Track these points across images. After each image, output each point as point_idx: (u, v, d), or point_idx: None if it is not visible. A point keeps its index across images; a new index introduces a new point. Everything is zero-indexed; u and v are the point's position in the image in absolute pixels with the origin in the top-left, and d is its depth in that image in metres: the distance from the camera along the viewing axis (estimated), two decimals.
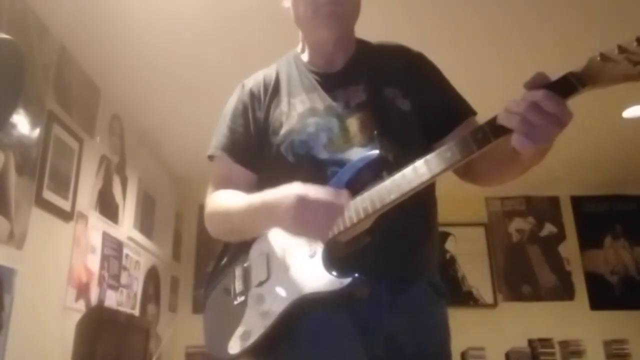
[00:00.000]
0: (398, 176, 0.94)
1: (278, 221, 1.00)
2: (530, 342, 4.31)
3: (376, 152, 1.02)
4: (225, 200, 1.16)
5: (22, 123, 2.18)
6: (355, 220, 0.96)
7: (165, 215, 4.31)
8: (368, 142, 1.07)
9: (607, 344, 4.35)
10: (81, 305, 2.61)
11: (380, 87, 1.15)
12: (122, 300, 3.17)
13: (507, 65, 2.84)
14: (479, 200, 4.85)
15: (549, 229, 4.83)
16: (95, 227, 2.84)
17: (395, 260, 1.06)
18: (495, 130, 0.86)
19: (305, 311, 0.99)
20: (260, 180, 1.20)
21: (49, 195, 2.35)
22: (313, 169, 1.07)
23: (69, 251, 2.54)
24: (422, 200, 1.04)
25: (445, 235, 4.60)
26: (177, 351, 4.15)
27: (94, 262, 2.80)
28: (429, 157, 0.92)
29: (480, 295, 4.60)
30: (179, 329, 4.17)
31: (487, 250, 4.72)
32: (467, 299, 4.58)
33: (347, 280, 0.94)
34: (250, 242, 1.13)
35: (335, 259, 0.99)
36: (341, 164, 1.05)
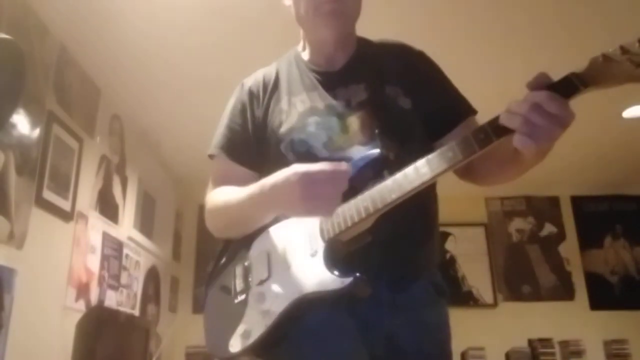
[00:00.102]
0: (399, 175, 0.93)
1: (283, 203, 0.98)
2: (530, 342, 4.31)
3: (377, 150, 1.02)
4: (224, 194, 1.16)
5: (22, 123, 2.18)
6: (356, 220, 0.96)
7: (165, 215, 4.30)
8: (369, 141, 1.07)
9: (607, 344, 4.35)
10: (81, 305, 2.61)
11: (381, 85, 1.15)
12: (122, 300, 3.17)
13: (512, 64, 2.83)
14: (479, 200, 4.85)
15: (549, 229, 4.84)
16: (95, 227, 2.84)
17: (396, 260, 1.05)
18: (497, 130, 0.86)
19: (306, 310, 0.98)
20: (260, 179, 1.19)
21: (49, 195, 2.35)
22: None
23: (69, 251, 2.54)
24: (423, 199, 1.03)
25: (445, 235, 4.60)
26: (177, 351, 4.15)
27: (94, 262, 2.80)
28: (430, 156, 0.91)
29: (480, 295, 4.60)
30: (179, 329, 4.17)
31: (487, 250, 4.73)
32: (467, 299, 4.58)
33: (348, 280, 0.94)
34: (250, 240, 1.12)
35: (336, 258, 0.98)
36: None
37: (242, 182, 1.17)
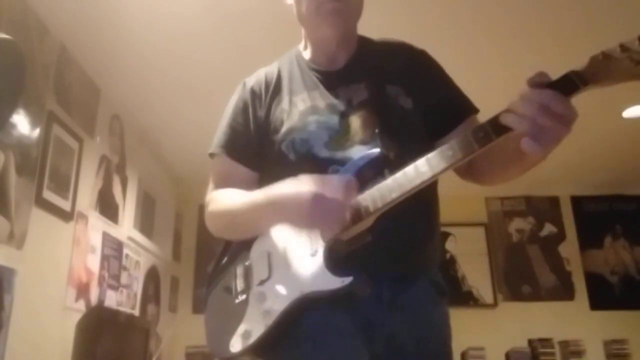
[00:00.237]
0: (399, 174, 0.93)
1: (288, 216, 0.98)
2: (530, 342, 4.31)
3: (377, 150, 1.02)
4: (228, 198, 1.16)
5: (22, 123, 2.18)
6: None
7: (165, 215, 4.30)
8: (369, 140, 1.07)
9: (607, 344, 4.35)
10: (81, 305, 2.61)
11: (382, 85, 1.15)
12: (122, 300, 3.17)
13: (506, 63, 2.84)
14: (479, 200, 4.85)
15: (549, 229, 4.84)
16: (95, 227, 2.84)
17: (397, 259, 1.05)
18: (497, 128, 0.86)
19: (307, 310, 0.98)
20: (261, 178, 1.19)
21: (49, 195, 2.35)
22: (314, 167, 1.07)
23: (69, 251, 2.54)
24: (423, 198, 1.03)
25: (445, 235, 4.60)
26: (177, 351, 4.15)
27: (94, 262, 2.80)
28: (430, 155, 0.91)
29: (480, 295, 4.60)
30: (179, 329, 4.17)
31: (487, 250, 4.73)
32: (467, 299, 4.58)
33: (349, 279, 0.94)
34: (251, 240, 1.13)
35: (336, 257, 0.99)
36: (342, 162, 1.05)
37: (244, 181, 1.17)
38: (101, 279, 2.87)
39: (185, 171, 4.18)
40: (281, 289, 1.02)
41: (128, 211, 3.36)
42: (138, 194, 3.60)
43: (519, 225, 4.86)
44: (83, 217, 2.69)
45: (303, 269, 1.00)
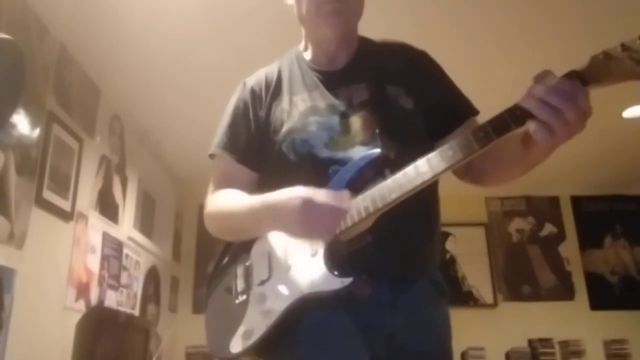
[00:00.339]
0: (400, 175, 0.93)
1: (281, 223, 1.00)
2: (530, 342, 4.31)
3: (377, 150, 1.02)
4: (227, 200, 1.16)
5: (22, 123, 2.18)
6: (356, 220, 0.96)
7: (165, 215, 4.30)
8: (370, 141, 1.07)
9: (607, 344, 4.35)
10: (81, 305, 2.61)
11: (382, 85, 1.15)
12: (122, 300, 3.17)
13: (507, 63, 2.84)
14: (479, 200, 4.85)
15: (549, 229, 4.84)
16: (95, 227, 2.84)
17: (397, 259, 1.05)
18: (497, 129, 0.85)
19: (307, 310, 0.99)
20: (261, 179, 1.19)
21: (49, 195, 2.35)
22: (314, 167, 1.07)
23: (69, 251, 2.54)
24: (424, 198, 1.03)
25: (445, 235, 4.60)
26: (177, 351, 4.15)
27: (94, 262, 2.80)
28: (430, 155, 0.91)
29: (480, 295, 4.60)
30: (179, 329, 4.17)
31: (487, 250, 4.73)
32: (467, 299, 4.58)
33: (349, 280, 0.94)
34: (251, 241, 1.13)
35: (336, 258, 0.99)
36: (343, 162, 1.05)
37: (244, 182, 1.17)
38: (101, 279, 2.87)
39: (185, 171, 4.18)
40: (281, 290, 1.02)
41: (128, 211, 3.36)
42: (138, 194, 3.60)
43: (519, 225, 4.86)
44: (83, 217, 2.69)
45: (303, 269, 1.00)
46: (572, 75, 0.81)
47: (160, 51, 2.69)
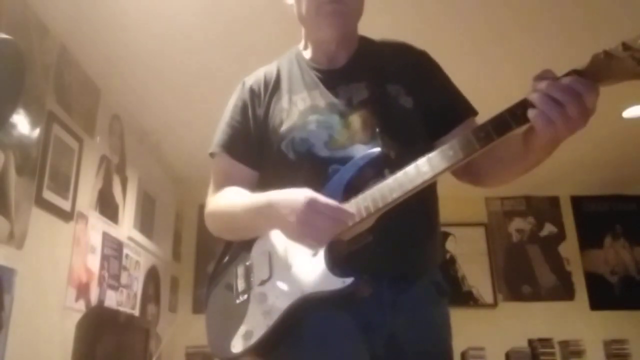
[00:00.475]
0: (400, 174, 0.93)
1: (280, 220, 0.99)
2: (530, 342, 4.31)
3: (377, 149, 1.01)
4: (228, 198, 1.16)
5: (22, 123, 2.18)
6: (357, 219, 0.96)
7: (165, 215, 4.30)
8: (370, 140, 1.07)
9: (607, 344, 4.35)
10: (81, 305, 2.61)
11: (382, 84, 1.15)
12: (122, 300, 3.17)
13: (509, 62, 2.84)
14: (479, 200, 4.85)
15: (549, 229, 4.84)
16: (95, 227, 2.84)
17: (397, 259, 1.05)
18: (498, 128, 0.85)
19: (307, 310, 0.98)
20: (261, 177, 1.19)
21: (49, 195, 2.35)
22: (314, 167, 1.07)
23: (69, 251, 2.54)
24: (424, 198, 1.03)
25: (445, 235, 4.60)
26: (177, 351, 4.15)
27: (94, 262, 2.80)
28: (431, 155, 0.91)
29: (480, 295, 4.60)
30: (179, 329, 4.17)
31: (487, 250, 4.73)
32: (467, 299, 4.58)
33: (349, 280, 0.94)
34: (252, 240, 1.12)
35: (337, 258, 0.98)
36: (342, 161, 1.04)
37: (244, 180, 1.17)
38: (101, 279, 2.87)
39: (185, 171, 4.18)
40: (282, 290, 1.02)
41: (128, 211, 3.36)
42: (138, 194, 3.59)
43: (519, 225, 4.86)
44: (83, 217, 2.69)
45: (304, 269, 1.00)
46: (572, 75, 0.80)
47: (160, 52, 2.69)
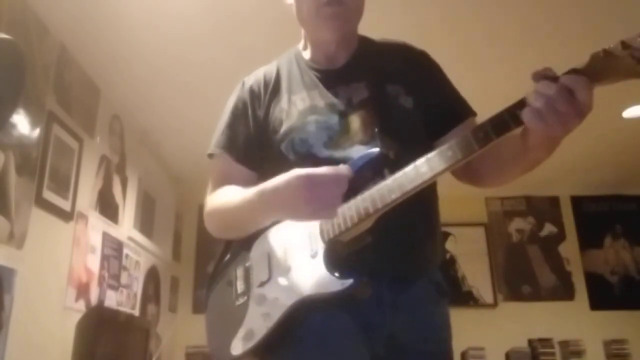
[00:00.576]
0: (399, 175, 0.93)
1: (285, 207, 0.96)
2: (530, 342, 4.31)
3: (376, 149, 1.01)
4: (225, 196, 1.15)
5: (22, 123, 2.18)
6: (356, 220, 0.96)
7: (165, 215, 4.30)
8: (369, 140, 1.07)
9: (607, 344, 4.35)
10: (81, 305, 2.61)
11: (382, 84, 1.14)
12: (122, 300, 3.17)
13: (506, 63, 2.84)
14: (479, 200, 4.85)
15: (549, 229, 4.84)
16: (95, 227, 2.84)
17: (397, 260, 1.05)
18: (496, 128, 0.85)
19: (307, 312, 0.98)
20: (260, 178, 1.19)
21: (49, 195, 2.35)
22: (313, 167, 1.06)
23: (69, 251, 2.54)
24: (423, 198, 1.03)
25: (445, 235, 4.60)
26: (177, 351, 4.15)
27: (94, 262, 2.80)
28: (430, 155, 0.91)
29: (480, 295, 4.60)
30: (179, 329, 4.17)
31: (487, 250, 4.73)
32: (467, 299, 4.58)
33: (349, 281, 0.94)
34: (251, 241, 1.12)
35: (336, 259, 0.98)
36: (342, 162, 1.03)
37: (243, 182, 1.16)
38: (101, 279, 2.87)
39: (185, 171, 4.18)
40: (281, 291, 1.01)
41: (128, 211, 3.35)
42: (138, 194, 3.59)
43: (519, 225, 4.86)
44: (83, 217, 2.69)
45: (303, 270, 1.00)
46: (571, 73, 0.80)
47: (160, 51, 2.69)
